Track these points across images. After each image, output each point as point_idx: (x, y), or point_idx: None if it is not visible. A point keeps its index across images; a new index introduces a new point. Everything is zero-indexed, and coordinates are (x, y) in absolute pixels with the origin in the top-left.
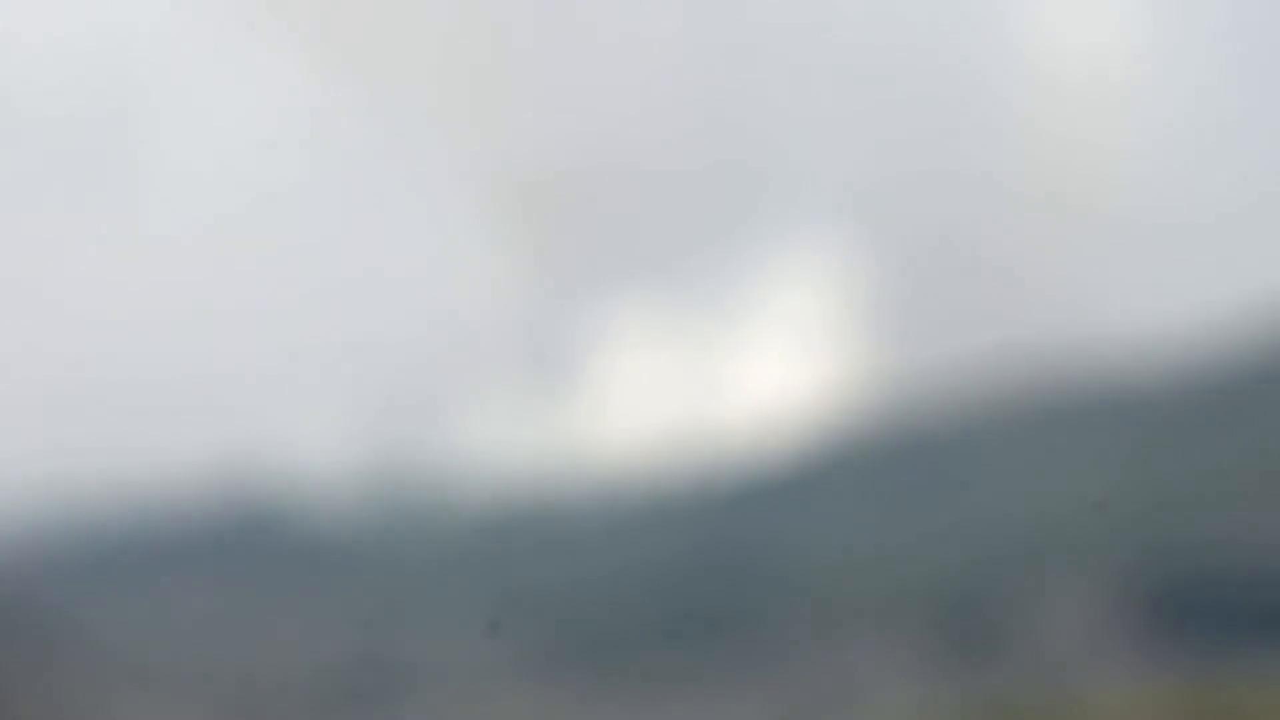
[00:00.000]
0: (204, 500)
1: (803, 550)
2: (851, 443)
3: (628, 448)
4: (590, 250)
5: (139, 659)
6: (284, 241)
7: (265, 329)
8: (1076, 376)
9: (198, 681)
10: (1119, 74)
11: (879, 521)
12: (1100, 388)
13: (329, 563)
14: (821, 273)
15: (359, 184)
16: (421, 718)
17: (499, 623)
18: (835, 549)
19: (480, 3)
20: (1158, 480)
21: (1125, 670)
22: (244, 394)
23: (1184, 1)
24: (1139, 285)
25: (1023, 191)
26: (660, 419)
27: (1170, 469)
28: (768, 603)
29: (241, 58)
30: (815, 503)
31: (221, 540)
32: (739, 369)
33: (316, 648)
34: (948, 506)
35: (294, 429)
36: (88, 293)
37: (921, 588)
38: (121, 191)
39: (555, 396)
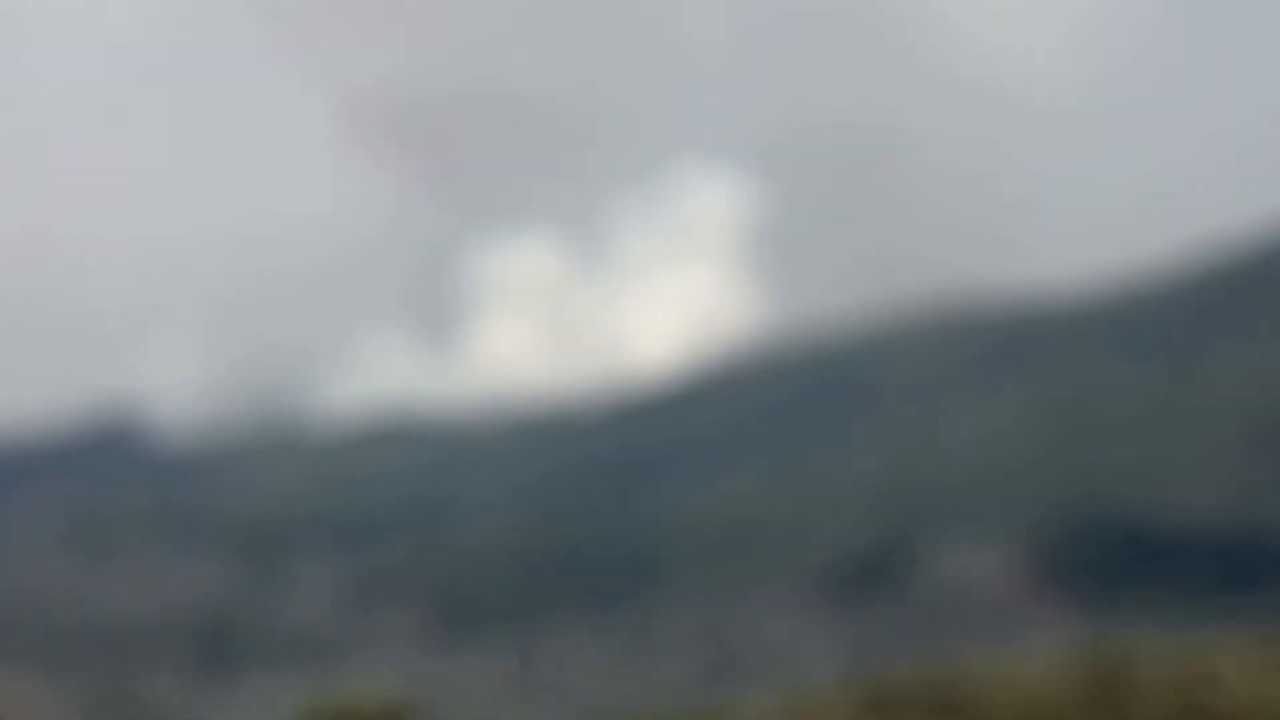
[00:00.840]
0: (71, 421)
1: (683, 481)
2: (742, 376)
3: (511, 372)
4: (478, 181)
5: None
6: (161, 173)
7: (143, 260)
8: (982, 319)
9: (53, 591)
10: (1030, 20)
11: (769, 457)
12: (1003, 332)
13: (194, 482)
14: (715, 209)
15: (237, 118)
16: (285, 638)
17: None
18: (718, 480)
19: None
20: (1060, 424)
21: (1025, 616)
22: (121, 324)
23: None
24: (1044, 234)
25: (925, 134)
26: (546, 345)
27: (1071, 413)
28: (648, 539)
29: None
30: (700, 432)
31: (84, 458)
32: (627, 303)
33: (181, 574)
34: (838, 443)
35: (166, 356)
36: None
37: (813, 524)
38: None
39: (438, 326)
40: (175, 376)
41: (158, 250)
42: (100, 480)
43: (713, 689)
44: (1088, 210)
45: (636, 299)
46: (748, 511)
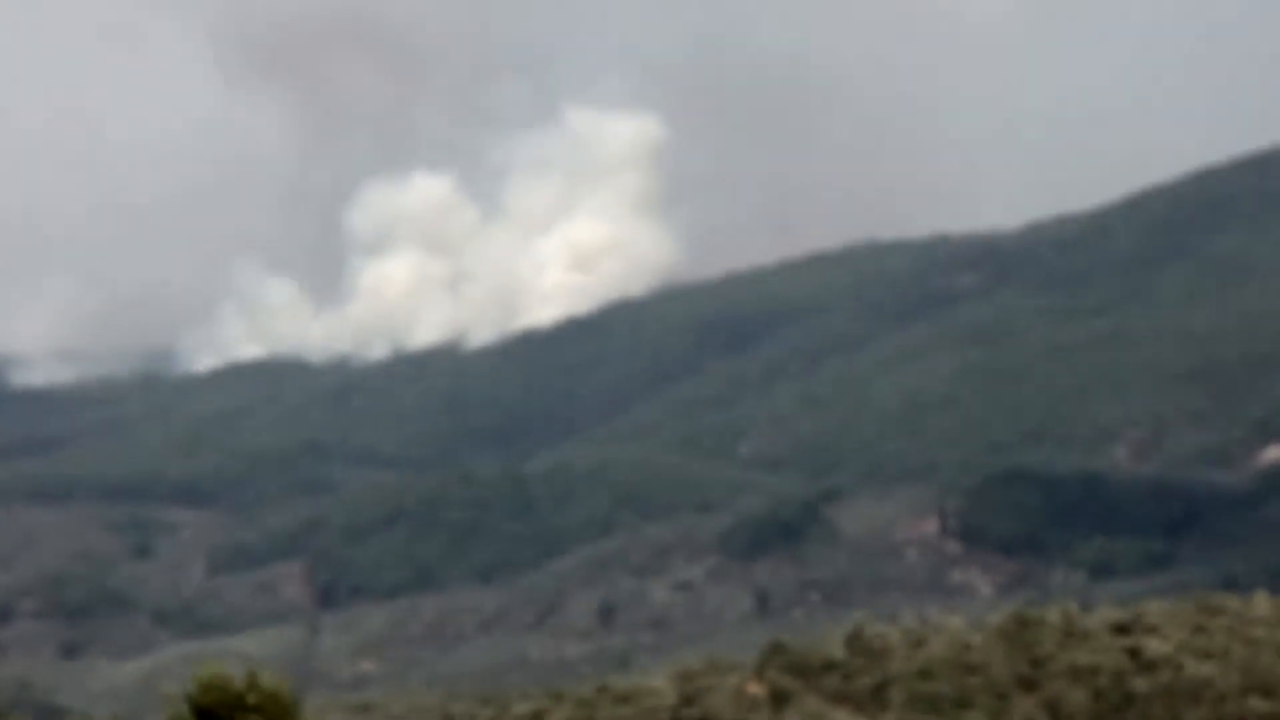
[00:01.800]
0: None
1: (579, 431)
2: (640, 318)
3: (402, 315)
4: (364, 115)
5: None
6: (25, 106)
7: (13, 199)
8: (899, 264)
9: None
10: None
11: (666, 406)
12: (920, 278)
13: (65, 429)
14: (615, 148)
15: (97, 50)
16: (160, 603)
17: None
18: (617, 429)
19: None
20: (980, 373)
21: (943, 572)
22: None
23: None
24: (966, 166)
25: (841, 64)
26: (436, 286)
27: (991, 361)
28: (545, 501)
29: None
30: (598, 379)
31: None
32: (523, 246)
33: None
34: (738, 394)
35: (38, 296)
36: None
37: (716, 480)
38: None
39: (324, 266)
40: (49, 317)
41: (28, 187)
42: None
43: (620, 654)
44: (1013, 140)
45: (532, 243)
46: (646, 466)
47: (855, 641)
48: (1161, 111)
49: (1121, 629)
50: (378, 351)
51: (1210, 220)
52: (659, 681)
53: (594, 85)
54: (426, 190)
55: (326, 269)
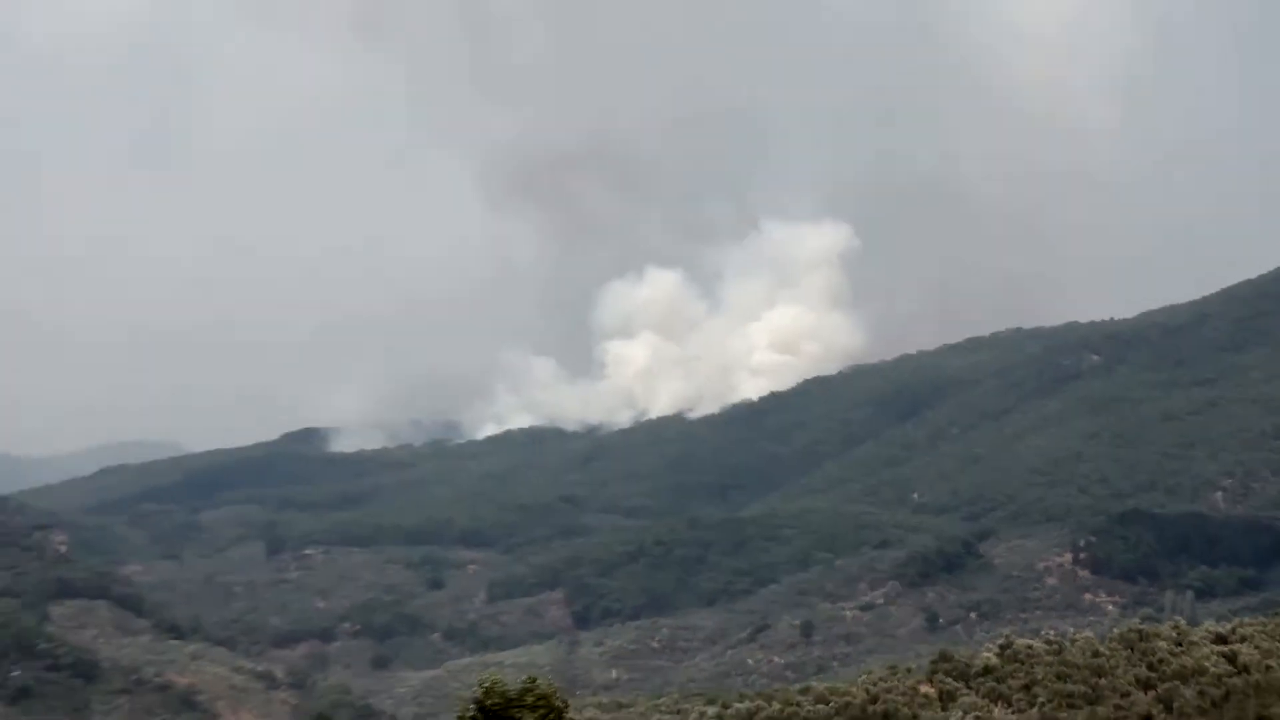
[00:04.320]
0: (266, 438)
1: (782, 485)
2: (832, 392)
3: (642, 390)
4: (607, 230)
5: None
6: (341, 230)
7: (329, 300)
8: (1035, 347)
9: None
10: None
11: (854, 463)
12: (1052, 357)
13: (371, 490)
14: (809, 252)
15: (392, 181)
16: (450, 624)
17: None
18: (814, 482)
19: None
20: (1103, 436)
21: (1074, 597)
22: (312, 354)
23: None
24: (1080, 277)
25: (985, 195)
26: (669, 367)
27: (1112, 425)
28: (756, 542)
29: None
30: (796, 441)
31: (277, 467)
32: (736, 331)
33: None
34: (916, 451)
35: (347, 380)
36: None
37: (896, 521)
38: None
39: (578, 351)
40: (362, 396)
41: (348, 293)
42: (290, 488)
43: (818, 663)
44: (1115, 257)
45: (745, 330)
46: (837, 513)
47: (1006, 651)
48: (1250, 219)
49: (1221, 639)
50: (621, 420)
51: None
52: (850, 684)
53: (790, 201)
54: (659, 285)
55: (580, 352)
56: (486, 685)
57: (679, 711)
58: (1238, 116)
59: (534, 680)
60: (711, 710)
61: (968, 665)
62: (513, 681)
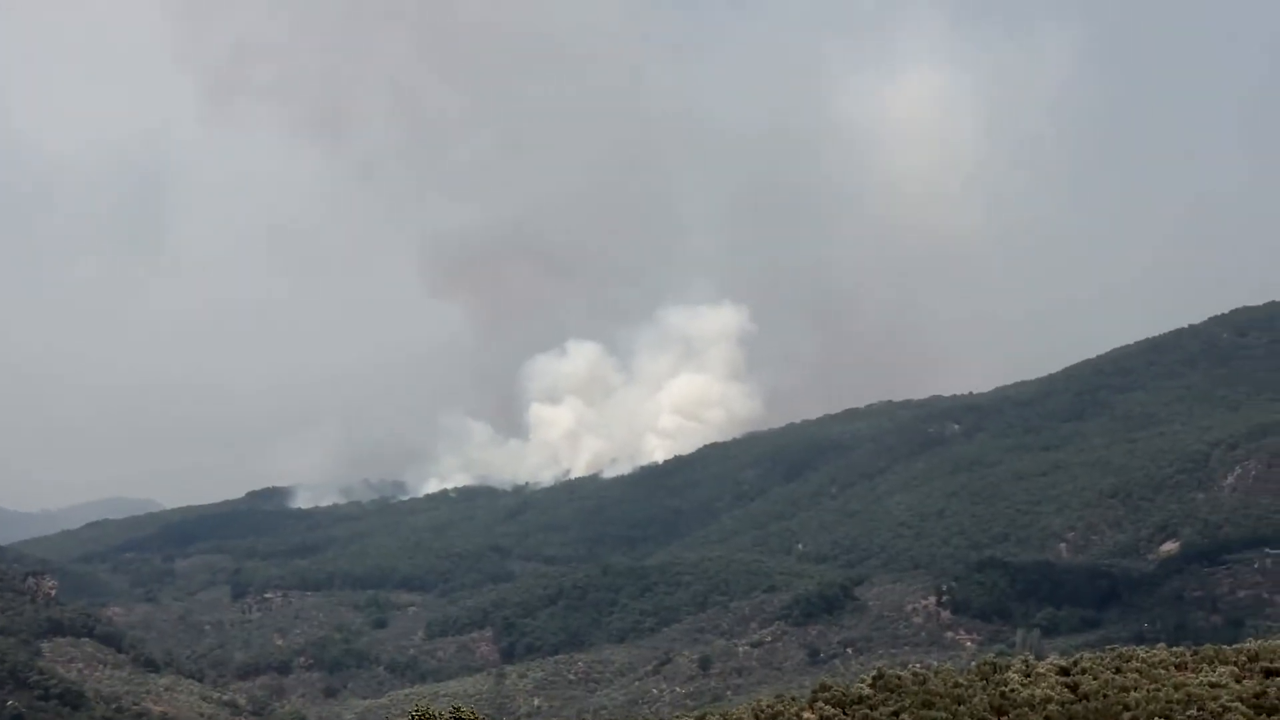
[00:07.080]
0: (235, 498)
1: (685, 535)
2: (730, 454)
3: (559, 450)
4: (531, 311)
5: None
6: (295, 311)
7: (284, 376)
8: (906, 414)
9: None
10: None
11: (748, 516)
12: (921, 424)
13: (325, 541)
14: (712, 331)
15: (341, 277)
16: (391, 659)
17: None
18: (712, 533)
19: None
20: (963, 491)
21: (938, 635)
22: (270, 426)
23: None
24: (949, 352)
25: (866, 284)
26: (586, 430)
27: (971, 482)
28: (661, 587)
29: None
30: (697, 496)
31: (242, 523)
32: (646, 400)
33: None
34: (801, 506)
35: (305, 448)
36: None
37: (782, 568)
38: None
39: (508, 417)
40: (320, 457)
41: (298, 366)
42: (253, 539)
43: (714, 693)
44: (974, 340)
45: (653, 399)
46: (731, 561)
47: (878, 681)
48: (1091, 307)
49: (1064, 671)
50: (545, 478)
51: (1122, 384)
52: (742, 711)
53: (694, 285)
54: (581, 356)
55: (511, 416)
56: (416, 715)
57: None
58: (1078, 220)
59: (458, 709)
60: None
61: (845, 694)
62: (440, 711)
